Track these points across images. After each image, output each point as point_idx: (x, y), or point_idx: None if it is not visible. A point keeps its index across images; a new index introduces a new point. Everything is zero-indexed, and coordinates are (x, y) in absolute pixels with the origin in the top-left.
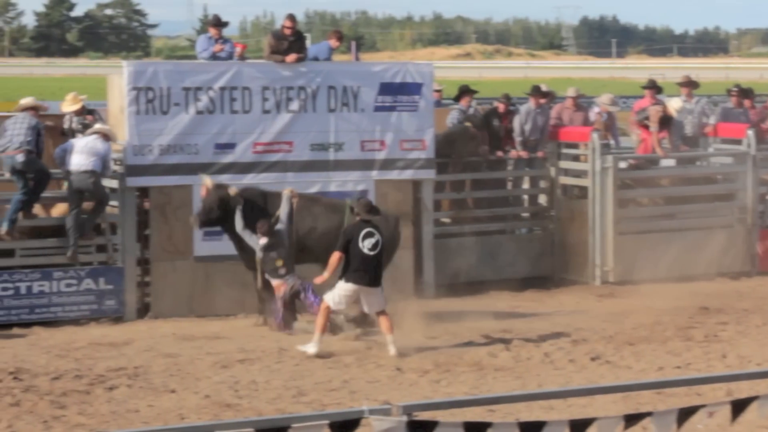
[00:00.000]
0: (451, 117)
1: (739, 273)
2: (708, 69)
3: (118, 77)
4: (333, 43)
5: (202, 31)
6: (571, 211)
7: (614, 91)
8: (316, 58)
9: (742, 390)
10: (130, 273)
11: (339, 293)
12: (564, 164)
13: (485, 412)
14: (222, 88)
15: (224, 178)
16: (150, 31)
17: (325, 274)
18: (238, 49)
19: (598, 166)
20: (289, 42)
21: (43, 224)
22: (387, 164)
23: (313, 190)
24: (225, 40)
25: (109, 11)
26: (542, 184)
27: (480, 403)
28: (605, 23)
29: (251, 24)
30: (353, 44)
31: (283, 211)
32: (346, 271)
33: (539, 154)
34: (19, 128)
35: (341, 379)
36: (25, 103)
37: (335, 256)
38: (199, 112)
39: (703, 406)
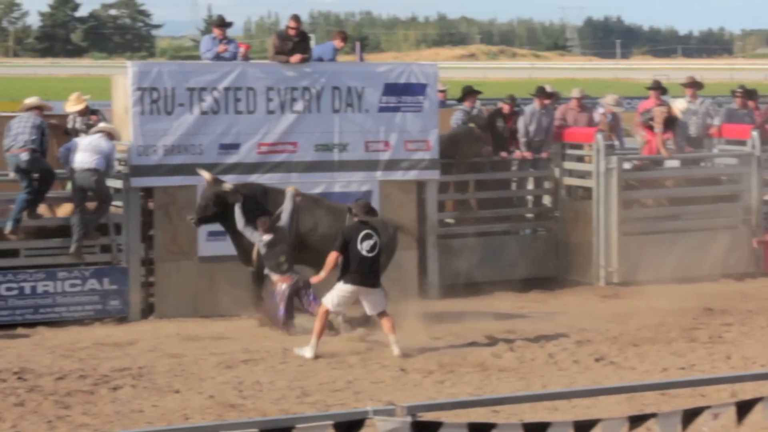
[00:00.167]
0: (455, 118)
1: (743, 274)
2: (712, 70)
3: (123, 77)
4: (337, 43)
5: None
6: (575, 212)
7: (618, 91)
8: (320, 59)
9: (747, 391)
10: (135, 273)
11: (337, 295)
12: (568, 165)
13: (489, 413)
14: (226, 89)
15: (229, 179)
16: (154, 32)
17: (322, 274)
18: (242, 50)
19: (602, 167)
20: (294, 42)
21: (48, 224)
22: (391, 165)
23: (318, 190)
24: (229, 41)
25: (113, 11)
26: (546, 184)
27: (484, 403)
28: (610, 24)
29: (255, 24)
30: (357, 45)
31: (286, 209)
32: (345, 273)
33: (543, 154)
34: (23, 127)
35: (345, 379)
36: (29, 102)
37: (332, 256)
38: (203, 113)
39: (707, 407)
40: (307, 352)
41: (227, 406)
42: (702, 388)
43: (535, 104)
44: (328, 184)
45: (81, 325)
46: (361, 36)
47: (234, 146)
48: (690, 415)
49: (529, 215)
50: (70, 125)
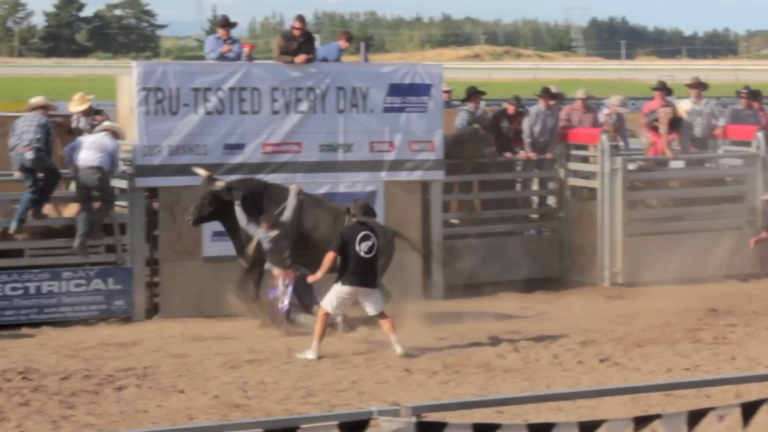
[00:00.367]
0: (460, 118)
1: (748, 275)
2: (717, 71)
3: (128, 78)
4: (342, 44)
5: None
6: (580, 213)
7: (623, 92)
8: (325, 59)
9: (752, 392)
10: (139, 273)
11: (335, 296)
12: (573, 166)
13: (494, 414)
14: (231, 89)
15: (232, 179)
16: (159, 32)
17: (318, 274)
18: (246, 50)
19: (607, 168)
20: (299, 43)
21: (53, 224)
22: (396, 165)
23: (322, 191)
24: (233, 41)
25: (118, 12)
26: (551, 185)
27: (489, 404)
28: (614, 24)
29: (260, 25)
30: (362, 45)
31: (290, 205)
32: (342, 274)
33: (548, 155)
34: (28, 126)
35: (350, 379)
36: (35, 102)
37: (329, 256)
38: (208, 113)
39: (712, 408)
40: (310, 354)
41: (232, 406)
42: (707, 389)
43: (540, 105)
44: (333, 185)
45: (86, 325)
46: (365, 36)
47: (239, 146)
48: (695, 417)
49: (534, 216)
50: (74, 125)
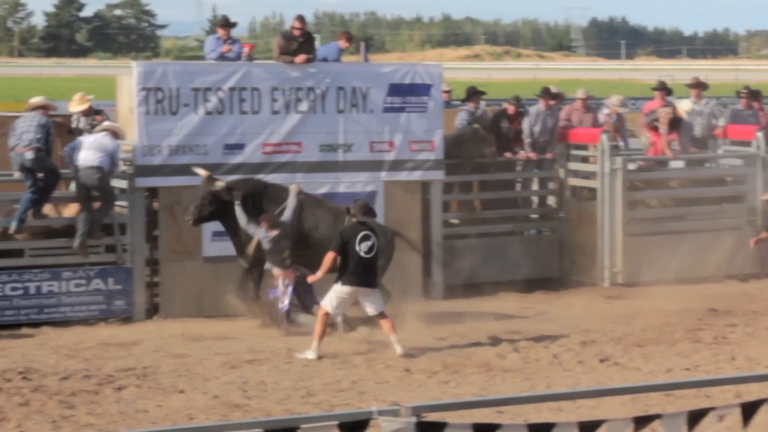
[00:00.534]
0: (460, 118)
1: (748, 275)
2: (717, 71)
3: (128, 78)
4: (342, 44)
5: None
6: (580, 213)
7: (623, 92)
8: (325, 59)
9: (751, 392)
10: (139, 273)
11: (335, 297)
12: (573, 166)
13: (494, 414)
14: (231, 89)
15: (233, 179)
16: (159, 32)
17: (318, 274)
18: (246, 50)
19: (607, 168)
20: (299, 43)
21: (53, 224)
22: (396, 165)
23: (322, 191)
24: (233, 41)
25: (118, 12)
26: (551, 185)
27: (489, 404)
28: (614, 25)
29: (260, 25)
30: (362, 45)
31: (290, 205)
32: (342, 274)
33: (548, 155)
34: (28, 126)
35: (350, 379)
36: (35, 102)
37: (329, 256)
38: (208, 113)
39: (712, 408)
40: (310, 354)
41: (232, 406)
42: (707, 389)
43: (540, 105)
44: (333, 185)
45: (86, 325)
46: (365, 36)
47: (239, 146)
48: (695, 417)
49: (534, 216)
50: (73, 125)
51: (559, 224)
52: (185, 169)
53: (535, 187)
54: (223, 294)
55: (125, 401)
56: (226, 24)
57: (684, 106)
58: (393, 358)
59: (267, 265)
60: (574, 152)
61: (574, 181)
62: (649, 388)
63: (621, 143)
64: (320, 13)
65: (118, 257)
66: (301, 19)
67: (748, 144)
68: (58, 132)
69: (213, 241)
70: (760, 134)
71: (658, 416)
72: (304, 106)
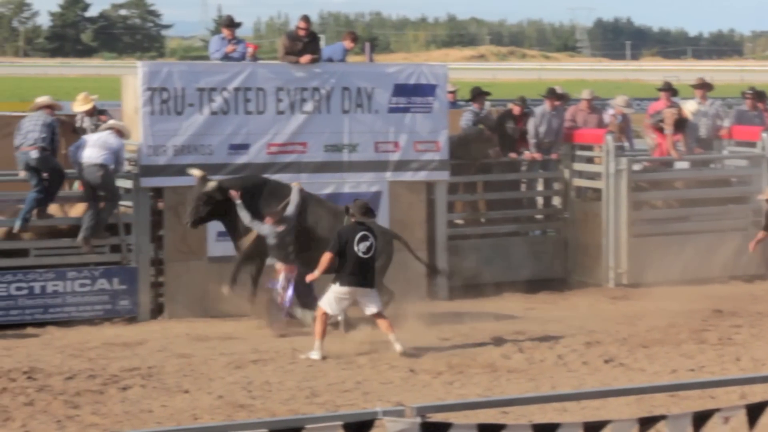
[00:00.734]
0: (465, 119)
1: (753, 276)
2: (722, 71)
3: (133, 78)
4: (347, 44)
5: (216, 31)
6: (584, 213)
7: (628, 93)
8: (330, 60)
9: (756, 393)
10: (144, 273)
11: (334, 297)
12: (578, 166)
13: (499, 414)
14: (236, 89)
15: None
16: (164, 32)
17: (316, 273)
18: (250, 50)
19: (612, 169)
20: (304, 43)
21: (59, 224)
22: (401, 165)
23: (327, 191)
24: (238, 41)
25: (123, 12)
26: (556, 186)
27: (493, 405)
28: (619, 25)
29: (265, 25)
30: (367, 45)
31: (293, 200)
32: (340, 274)
33: (553, 156)
34: (33, 125)
35: (354, 380)
36: (40, 101)
37: (326, 257)
38: (213, 113)
39: (717, 410)
40: (314, 355)
41: (236, 406)
42: (712, 390)
43: (546, 106)
44: (338, 185)
45: (90, 325)
46: (370, 37)
47: (244, 147)
48: (700, 418)
49: (539, 216)
50: (77, 125)
51: (563, 225)
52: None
53: (539, 187)
54: (228, 293)
55: (130, 401)
56: (231, 24)
57: (689, 107)
58: (397, 359)
59: (269, 260)
60: (579, 153)
61: (579, 182)
62: (653, 389)
63: (626, 144)
64: (325, 13)
65: (123, 257)
66: (306, 19)
67: (753, 145)
68: (62, 131)
69: (218, 241)
70: (765, 135)
71: (663, 417)
72: (309, 107)
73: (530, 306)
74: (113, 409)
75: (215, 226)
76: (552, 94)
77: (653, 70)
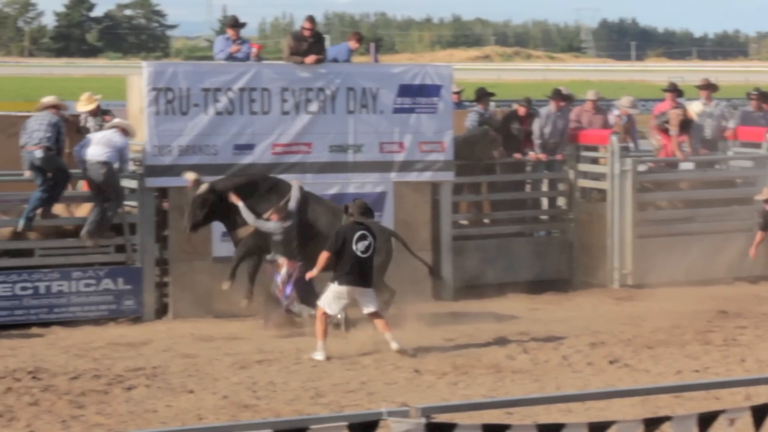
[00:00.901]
0: (470, 119)
1: (758, 277)
2: (727, 72)
3: (138, 78)
4: (352, 44)
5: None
6: (589, 214)
7: (633, 93)
8: (335, 60)
9: (761, 394)
10: (149, 273)
11: (332, 296)
12: (583, 167)
13: (503, 415)
14: (241, 89)
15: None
16: (169, 32)
17: (314, 271)
18: (254, 50)
19: (617, 169)
20: (309, 43)
21: (63, 224)
22: (406, 166)
23: (332, 191)
24: (242, 41)
25: (128, 12)
26: (561, 186)
27: (498, 405)
28: (624, 26)
29: (270, 25)
30: (372, 46)
31: (293, 198)
32: (338, 274)
33: (558, 156)
34: (39, 125)
35: (359, 380)
36: (46, 101)
37: (324, 256)
38: (218, 113)
39: (723, 411)
40: (318, 355)
41: (241, 406)
42: (716, 391)
43: (551, 106)
44: (343, 185)
45: (95, 325)
46: (375, 37)
47: (249, 147)
48: (706, 420)
49: (544, 217)
50: (81, 124)
51: (568, 225)
52: (195, 170)
53: (544, 188)
54: (233, 294)
55: (134, 401)
56: (236, 24)
57: (694, 108)
58: (402, 359)
59: (269, 257)
60: (584, 153)
61: (583, 183)
62: (658, 390)
63: (631, 145)
64: (330, 13)
65: (127, 257)
66: (311, 19)
67: (758, 146)
68: (66, 130)
69: (222, 242)
70: None
71: (668, 418)
72: (314, 107)
73: (535, 307)
74: (118, 409)
75: (220, 226)
76: (557, 94)
77: (658, 70)
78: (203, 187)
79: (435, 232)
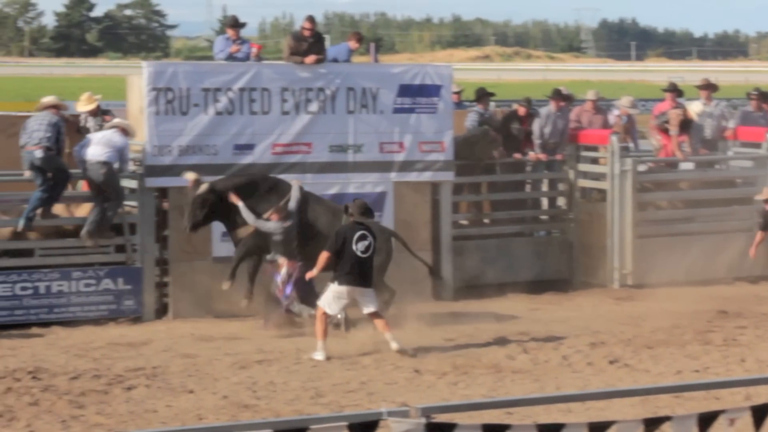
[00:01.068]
0: (470, 119)
1: (758, 277)
2: (727, 72)
3: (138, 78)
4: (352, 44)
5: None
6: (589, 214)
7: (633, 93)
8: (335, 60)
9: (761, 394)
10: (149, 273)
11: (332, 296)
12: (583, 167)
13: (503, 415)
14: (241, 89)
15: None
16: (169, 32)
17: (315, 271)
18: (254, 50)
19: (617, 169)
20: (309, 43)
21: (63, 224)
22: (406, 166)
23: (332, 191)
24: (242, 41)
25: (128, 12)
26: (561, 186)
27: (498, 405)
28: (624, 26)
29: (270, 25)
30: (372, 46)
31: (293, 197)
32: (338, 274)
33: (558, 156)
34: (39, 125)
35: (359, 380)
36: (46, 101)
37: (324, 256)
38: (218, 113)
39: (723, 411)
40: (318, 355)
41: (241, 406)
42: (716, 391)
43: (551, 106)
44: (343, 185)
45: (95, 325)
46: (375, 37)
47: (249, 147)
48: (706, 420)
49: (543, 217)
50: (81, 124)
51: (568, 225)
52: (195, 170)
53: (544, 188)
54: (233, 294)
55: (134, 401)
56: (236, 24)
57: (694, 108)
58: (402, 359)
59: (269, 257)
60: (584, 153)
61: (583, 183)
62: (658, 390)
63: (631, 145)
64: (330, 13)
65: (127, 257)
66: (311, 19)
67: (758, 146)
68: (66, 130)
69: (222, 242)
70: None
71: (668, 418)
72: (314, 107)
73: (535, 307)
74: (118, 409)
75: (220, 226)
76: (557, 94)
77: (658, 70)
78: (203, 187)
79: (435, 232)
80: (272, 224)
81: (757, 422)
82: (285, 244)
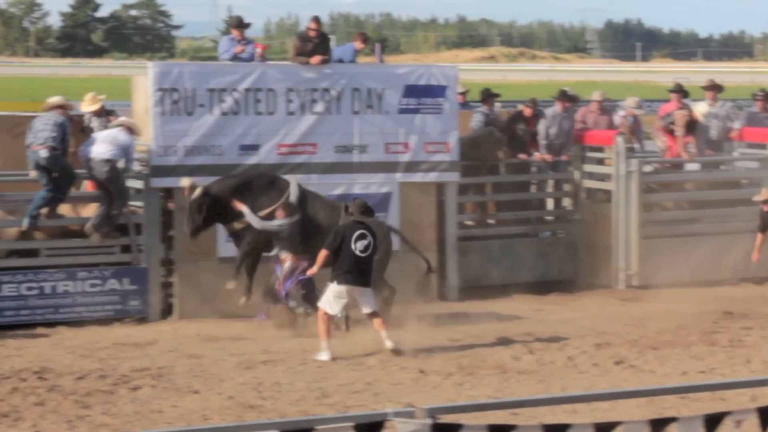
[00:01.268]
0: (475, 120)
1: (764, 278)
2: (733, 73)
3: (143, 78)
4: (357, 45)
5: (226, 32)
6: (595, 215)
7: (639, 94)
8: (340, 60)
9: (767, 396)
10: (154, 273)
11: (332, 296)
12: (588, 168)
13: (509, 416)
14: (247, 90)
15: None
16: (175, 32)
17: (314, 268)
18: (259, 50)
19: (622, 170)
20: (314, 44)
21: (69, 224)
22: (411, 167)
23: (337, 192)
24: (247, 42)
25: (134, 12)
26: (566, 187)
27: (503, 406)
28: (630, 27)
29: (275, 25)
30: (377, 46)
31: (292, 194)
32: (337, 273)
33: (563, 157)
34: (44, 125)
35: (365, 381)
36: (53, 101)
37: (323, 254)
38: (223, 114)
39: (729, 412)
40: (323, 356)
41: (246, 406)
42: (722, 392)
43: (557, 107)
44: (348, 186)
45: (101, 325)
46: (381, 37)
47: (254, 147)
48: (712, 421)
49: (549, 218)
50: (85, 124)
51: (574, 226)
52: (201, 170)
53: (550, 189)
54: (238, 294)
55: (140, 401)
56: (240, 25)
57: (700, 109)
58: (408, 360)
59: (274, 251)
60: (589, 154)
61: (589, 183)
62: (664, 391)
63: (636, 145)
64: (335, 14)
65: (133, 257)
66: (316, 20)
67: (763, 147)
68: (71, 130)
69: (228, 242)
70: None
71: (674, 419)
72: (319, 107)
73: (540, 307)
74: (123, 410)
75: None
76: (563, 95)
77: (664, 71)
78: (197, 192)
79: (440, 233)
80: (279, 222)
81: (764, 424)
82: (288, 239)
